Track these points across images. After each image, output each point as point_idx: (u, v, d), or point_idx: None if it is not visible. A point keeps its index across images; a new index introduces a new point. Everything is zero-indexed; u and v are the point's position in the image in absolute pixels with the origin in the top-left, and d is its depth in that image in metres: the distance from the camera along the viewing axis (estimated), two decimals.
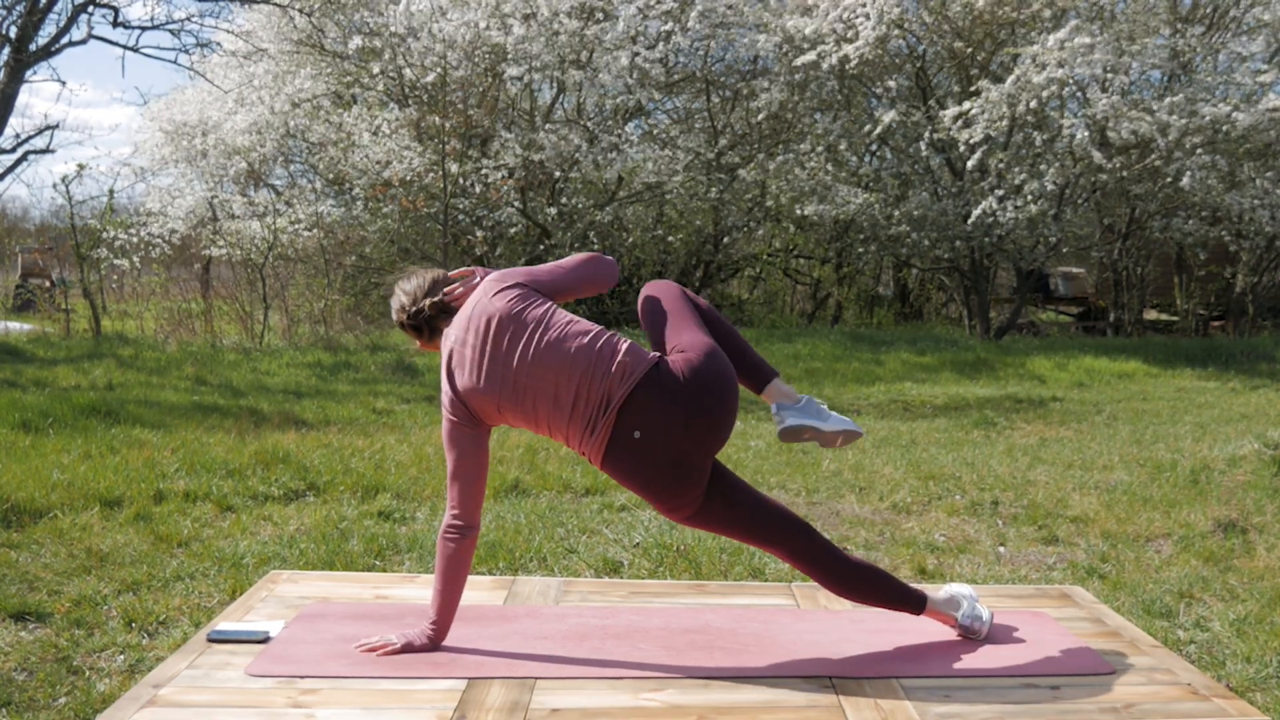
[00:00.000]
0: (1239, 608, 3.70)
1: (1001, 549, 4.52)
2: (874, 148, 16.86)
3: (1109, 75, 12.36)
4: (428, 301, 2.53)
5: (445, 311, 2.54)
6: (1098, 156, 11.96)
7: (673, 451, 2.34)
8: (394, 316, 2.61)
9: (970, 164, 12.85)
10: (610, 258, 2.64)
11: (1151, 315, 17.99)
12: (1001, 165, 13.19)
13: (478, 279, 2.58)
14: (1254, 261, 15.98)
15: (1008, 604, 2.97)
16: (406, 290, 2.58)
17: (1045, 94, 11.78)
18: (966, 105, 12.31)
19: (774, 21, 13.68)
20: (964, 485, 5.58)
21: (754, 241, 17.60)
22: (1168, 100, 11.97)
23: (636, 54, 13.15)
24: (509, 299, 2.44)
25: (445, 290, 2.55)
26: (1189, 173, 11.90)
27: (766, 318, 18.32)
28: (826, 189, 14.40)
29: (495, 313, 2.42)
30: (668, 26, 13.50)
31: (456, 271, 2.62)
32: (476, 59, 13.55)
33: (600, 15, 13.43)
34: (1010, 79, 12.00)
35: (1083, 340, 14.74)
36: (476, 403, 2.41)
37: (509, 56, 13.10)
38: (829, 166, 14.85)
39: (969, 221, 13.12)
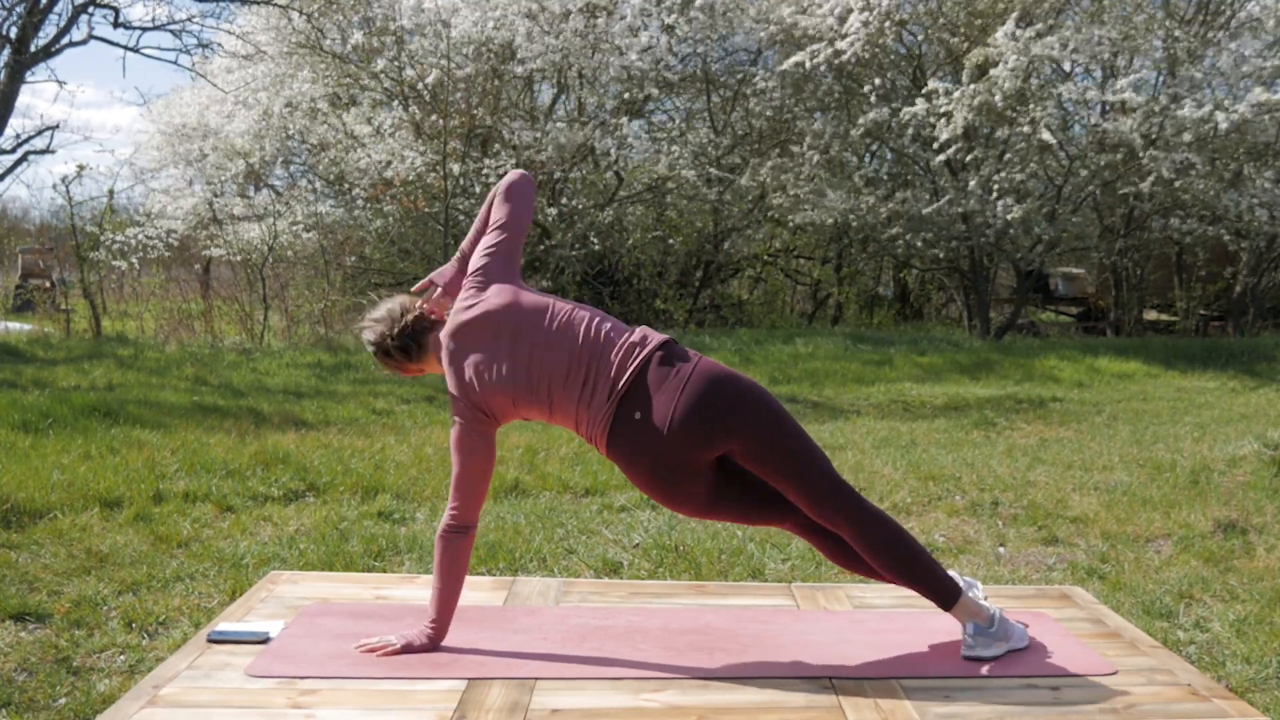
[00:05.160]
0: (1239, 608, 3.70)
1: (1001, 549, 4.53)
2: (874, 148, 16.85)
3: (1106, 67, 12.39)
4: (411, 317, 2.52)
5: (429, 326, 2.54)
6: (1048, 137, 12.01)
7: (672, 437, 2.32)
8: (375, 347, 2.55)
9: (938, 160, 12.94)
10: (517, 174, 2.57)
11: (1151, 315, 17.98)
12: (984, 165, 13.21)
13: (439, 289, 2.57)
14: (1254, 262, 15.98)
15: (1008, 605, 2.97)
16: (381, 318, 2.55)
17: (1007, 85, 11.81)
18: (923, 102, 12.37)
19: (772, 13, 13.67)
20: (964, 486, 5.58)
21: (754, 242, 17.60)
22: (1146, 97, 12.00)
23: (647, 49, 13.14)
24: (502, 297, 2.45)
25: (420, 307, 2.54)
26: (1166, 163, 11.91)
27: (766, 318, 18.32)
28: (821, 195, 14.41)
29: (495, 312, 2.43)
30: (670, 19, 13.50)
31: (417, 287, 2.61)
32: (481, 59, 13.54)
33: (604, 12, 13.43)
34: (965, 73, 12.08)
35: (1083, 340, 14.74)
36: (493, 402, 2.42)
37: (517, 55, 13.08)
38: (821, 172, 14.83)
39: (937, 204, 13.12)
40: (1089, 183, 13.67)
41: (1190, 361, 11.93)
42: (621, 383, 2.35)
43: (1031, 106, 12.38)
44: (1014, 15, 11.90)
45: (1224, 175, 12.91)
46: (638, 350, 2.38)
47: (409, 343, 2.52)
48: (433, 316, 2.54)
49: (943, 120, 12.42)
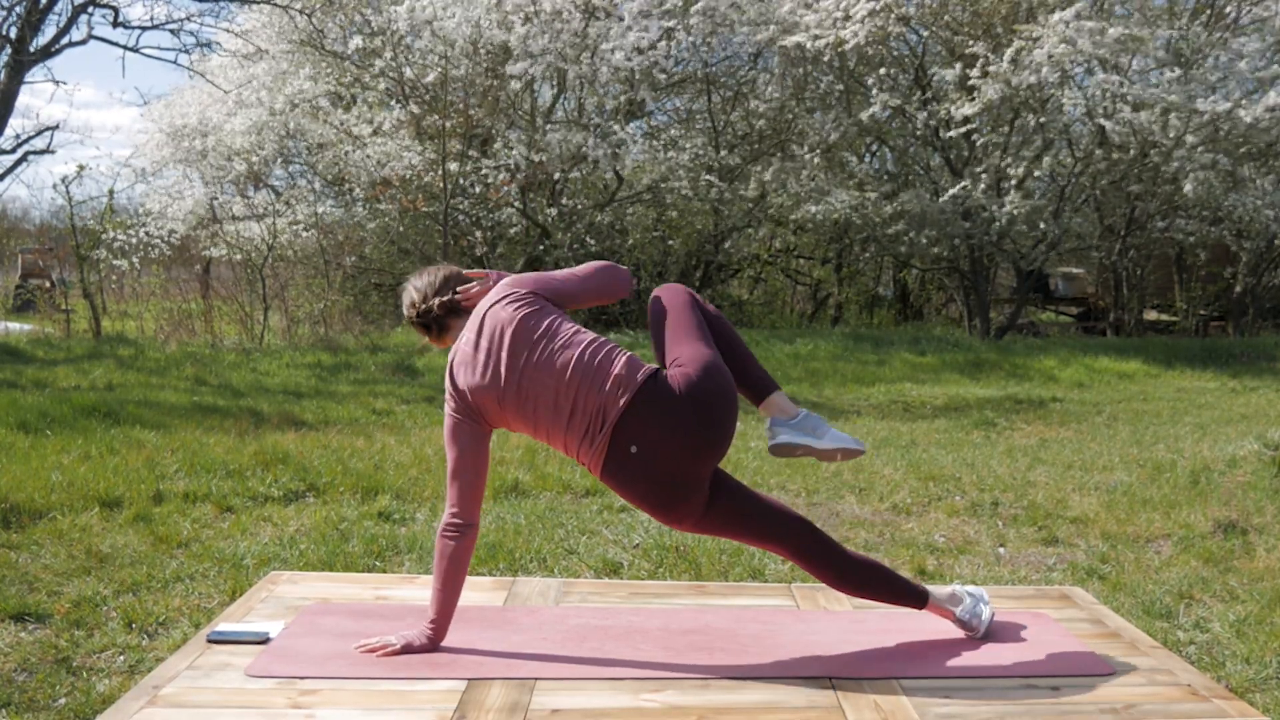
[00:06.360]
0: (1239, 608, 3.70)
1: (1001, 550, 4.53)
2: (874, 148, 16.86)
3: (1116, 58, 12.38)
4: (437, 301, 2.55)
5: (455, 312, 2.56)
6: (1106, 125, 11.99)
7: (669, 467, 2.35)
8: (404, 312, 2.63)
9: (954, 133, 12.96)
10: (625, 269, 2.63)
11: (1151, 315, 17.99)
12: (1000, 159, 13.20)
13: (492, 281, 2.59)
14: (1254, 262, 15.98)
15: (1008, 605, 2.97)
16: (418, 287, 2.60)
17: (1045, 70, 11.78)
18: (960, 66, 12.37)
19: (774, 12, 13.64)
20: (964, 486, 5.58)
21: (754, 242, 17.61)
22: (1166, 77, 11.98)
23: (638, 50, 13.12)
24: (520, 308, 2.45)
25: (459, 290, 2.57)
26: (1190, 176, 11.88)
27: (766, 318, 18.33)
28: (824, 193, 14.40)
29: (505, 321, 2.43)
30: (671, 23, 13.48)
31: (471, 272, 2.62)
32: (477, 58, 13.54)
33: (602, 14, 13.41)
34: (1008, 52, 12.03)
35: (1083, 340, 14.74)
36: (480, 399, 2.43)
37: (514, 54, 13.06)
38: (821, 174, 14.82)
39: (944, 198, 13.10)
40: (1098, 180, 13.67)
41: (1190, 361, 11.93)
42: (611, 419, 2.35)
43: (1062, 91, 12.34)
44: (1078, 5, 11.87)
45: (1228, 176, 12.90)
46: (625, 386, 2.36)
47: (430, 323, 2.57)
48: (465, 305, 2.56)
49: (963, 97, 12.39)
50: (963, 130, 12.82)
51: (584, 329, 2.49)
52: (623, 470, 2.37)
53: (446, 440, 2.47)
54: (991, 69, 12.03)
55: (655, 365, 2.44)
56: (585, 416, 2.37)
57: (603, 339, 2.48)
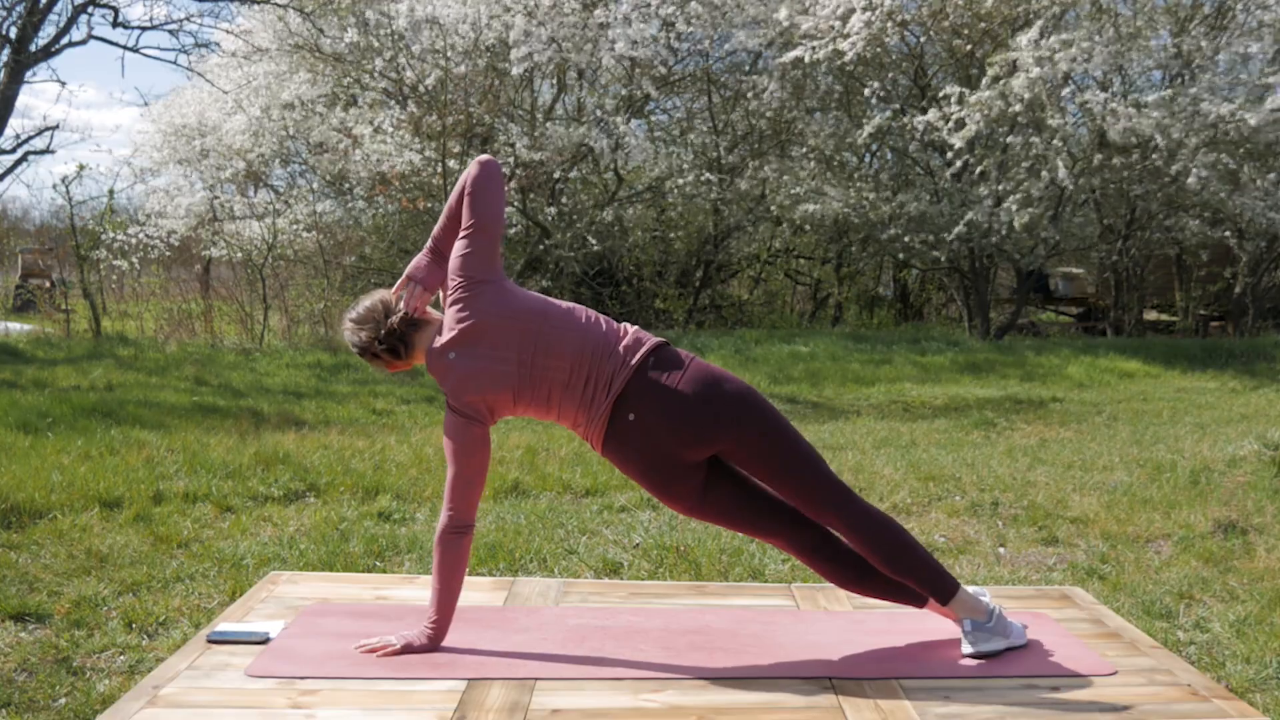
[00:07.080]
0: (1239, 609, 3.70)
1: (1001, 550, 4.53)
2: (874, 149, 16.85)
3: (1109, 73, 12.36)
4: (395, 319, 2.49)
5: (414, 325, 2.51)
6: (1062, 171, 12.00)
7: (665, 439, 2.37)
8: (361, 348, 2.52)
9: (951, 171, 12.95)
10: (483, 164, 2.48)
11: (1151, 315, 17.99)
12: (993, 172, 13.19)
13: (419, 279, 2.52)
14: (1253, 262, 15.98)
15: (1008, 605, 2.96)
16: (363, 319, 2.51)
17: (1027, 95, 11.75)
18: (943, 111, 12.35)
19: (771, 15, 13.63)
20: (964, 486, 5.58)
21: (754, 242, 17.61)
22: (1159, 96, 11.97)
23: (635, 41, 13.10)
24: (498, 302, 2.44)
25: (401, 305, 2.51)
26: (1194, 171, 11.85)
27: (767, 318, 18.32)
28: (822, 194, 14.41)
29: (497, 322, 2.43)
30: (669, 9, 13.46)
31: (396, 287, 2.55)
32: (476, 55, 13.53)
33: (601, 4, 13.40)
34: (985, 80, 12.04)
35: (1083, 341, 14.74)
36: (494, 402, 2.44)
37: (514, 46, 13.04)
38: (823, 173, 14.81)
39: (953, 236, 13.12)
40: (1099, 188, 13.67)
41: (1190, 361, 11.93)
42: (616, 386, 2.39)
43: (1049, 113, 12.31)
44: (1039, 22, 11.83)
45: (1230, 176, 12.90)
46: (632, 354, 2.42)
47: (397, 344, 2.50)
48: (417, 316, 2.51)
49: (952, 125, 12.38)
50: (960, 163, 12.87)
51: (575, 304, 2.51)
52: (620, 441, 2.40)
53: (450, 446, 2.45)
54: (972, 98, 12.02)
55: (662, 339, 2.47)
56: (594, 387, 2.40)
57: (599, 313, 2.51)
